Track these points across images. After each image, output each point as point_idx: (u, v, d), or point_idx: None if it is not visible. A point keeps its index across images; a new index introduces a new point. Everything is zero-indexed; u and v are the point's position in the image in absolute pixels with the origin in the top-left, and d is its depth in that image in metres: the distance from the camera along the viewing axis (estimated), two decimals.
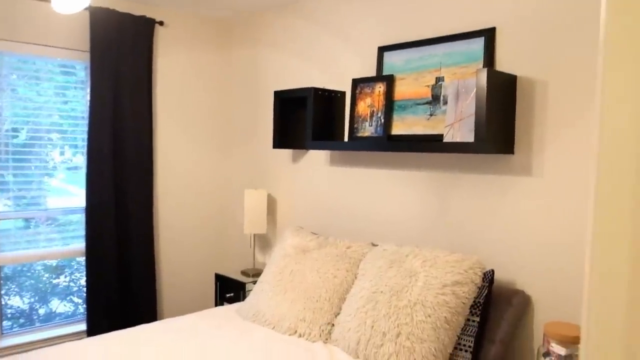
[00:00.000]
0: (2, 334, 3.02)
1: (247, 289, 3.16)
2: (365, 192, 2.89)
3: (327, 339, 2.32)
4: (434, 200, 2.56)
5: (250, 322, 2.54)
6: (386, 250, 2.37)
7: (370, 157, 2.86)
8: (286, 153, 3.38)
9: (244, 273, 3.35)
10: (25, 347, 2.97)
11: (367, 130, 2.75)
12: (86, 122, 3.17)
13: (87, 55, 3.15)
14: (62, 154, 3.21)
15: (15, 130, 3.01)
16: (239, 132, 3.79)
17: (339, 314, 2.36)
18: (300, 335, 2.36)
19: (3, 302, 3.05)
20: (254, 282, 3.18)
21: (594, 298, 0.70)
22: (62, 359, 2.07)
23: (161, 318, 3.52)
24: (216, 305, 3.45)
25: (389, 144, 2.52)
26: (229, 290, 3.30)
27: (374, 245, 2.58)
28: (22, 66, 3.00)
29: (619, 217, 0.68)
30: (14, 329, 3.10)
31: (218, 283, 3.39)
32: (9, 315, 3.11)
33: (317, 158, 3.17)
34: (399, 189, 2.71)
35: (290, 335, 2.38)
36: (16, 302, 3.16)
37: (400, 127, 2.64)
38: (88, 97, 3.14)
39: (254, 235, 3.46)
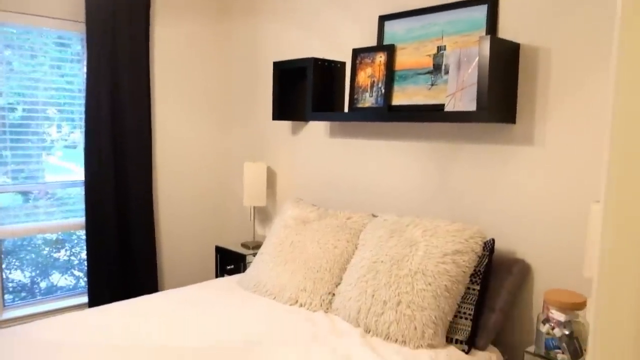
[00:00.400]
0: (4, 306, 3.04)
1: (247, 261, 3.17)
2: (366, 163, 2.87)
3: (327, 309, 2.34)
4: (434, 170, 2.55)
5: (251, 292, 2.56)
6: (386, 220, 2.37)
7: (371, 128, 2.84)
8: (285, 125, 3.36)
9: (244, 245, 3.36)
10: (28, 320, 2.99)
11: (368, 100, 2.72)
12: (83, 95, 3.14)
13: (83, 27, 3.09)
14: (59, 127, 3.17)
15: (11, 105, 2.98)
16: (238, 104, 3.76)
17: (339, 284, 2.37)
18: (301, 305, 2.37)
19: (4, 276, 3.06)
20: (254, 254, 3.19)
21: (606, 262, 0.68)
22: (64, 329, 2.09)
23: (162, 290, 3.54)
24: (217, 277, 3.47)
25: (390, 115, 2.50)
26: (230, 262, 3.31)
27: (374, 216, 2.58)
28: (16, 39, 2.95)
29: (631, 193, 0.66)
30: (15, 302, 3.12)
31: (218, 255, 3.40)
32: (11, 289, 3.12)
33: (317, 130, 3.15)
34: (400, 160, 2.70)
35: (291, 305, 2.39)
36: (17, 275, 3.17)
37: (401, 97, 2.62)
38: (84, 70, 3.10)
39: (254, 207, 3.46)
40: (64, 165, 3.23)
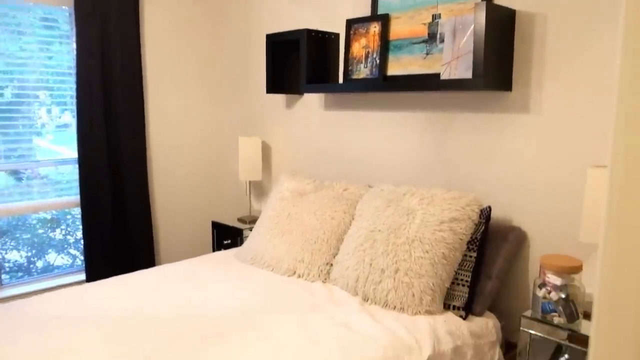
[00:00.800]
0: (2, 285, 3.03)
1: (244, 236, 3.18)
2: (361, 135, 2.86)
3: (325, 279, 2.35)
4: (430, 140, 2.54)
5: (249, 265, 2.56)
6: (383, 190, 2.37)
7: (366, 100, 2.82)
8: (280, 99, 3.33)
9: (240, 220, 3.36)
10: (26, 297, 2.98)
11: (362, 72, 2.70)
12: (73, 72, 3.09)
13: (70, 1, 3.03)
14: (49, 111, 3.12)
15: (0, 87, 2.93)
16: (231, 78, 3.72)
17: (336, 254, 2.38)
18: (299, 276, 2.38)
19: (0, 257, 3.05)
20: (251, 229, 3.19)
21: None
22: (63, 303, 2.09)
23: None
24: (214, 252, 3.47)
25: (385, 84, 2.48)
26: (226, 237, 3.31)
27: (370, 187, 2.58)
28: (1, 19, 2.88)
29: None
30: (13, 281, 3.11)
31: (215, 230, 3.40)
32: (7, 269, 3.11)
33: (311, 103, 3.13)
34: (395, 131, 2.69)
35: (289, 276, 2.40)
36: (13, 255, 3.15)
37: (396, 67, 2.59)
38: (74, 45, 3.05)
39: (249, 182, 3.45)
40: (55, 148, 3.18)
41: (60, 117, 3.18)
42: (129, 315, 1.96)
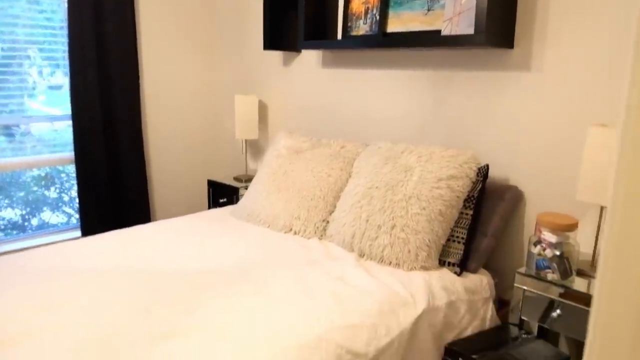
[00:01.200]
0: None
1: (240, 194, 3.17)
2: (360, 93, 2.83)
3: (322, 236, 2.35)
4: (430, 98, 2.52)
5: (245, 222, 2.56)
6: (381, 147, 2.35)
7: (365, 57, 2.77)
8: (277, 56, 3.27)
9: (236, 179, 3.35)
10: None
11: (362, 28, 2.64)
12: (64, 26, 3.00)
13: None
14: (40, 69, 3.04)
15: None
16: (227, 35, 3.64)
17: (333, 211, 2.38)
18: (295, 233, 2.39)
19: None
20: (247, 188, 3.18)
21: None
22: (58, 257, 2.08)
23: None
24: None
25: (385, 40, 2.43)
26: (222, 196, 3.30)
27: (368, 145, 2.56)
28: None
29: None
30: (8, 238, 3.10)
31: (211, 189, 3.39)
32: (2, 227, 3.09)
33: (309, 60, 3.08)
34: (395, 89, 2.66)
35: (285, 232, 2.41)
36: (8, 213, 3.14)
37: (396, 24, 2.54)
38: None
39: (246, 141, 3.43)
40: (48, 110, 3.12)
41: (52, 76, 3.11)
42: (125, 269, 1.97)
